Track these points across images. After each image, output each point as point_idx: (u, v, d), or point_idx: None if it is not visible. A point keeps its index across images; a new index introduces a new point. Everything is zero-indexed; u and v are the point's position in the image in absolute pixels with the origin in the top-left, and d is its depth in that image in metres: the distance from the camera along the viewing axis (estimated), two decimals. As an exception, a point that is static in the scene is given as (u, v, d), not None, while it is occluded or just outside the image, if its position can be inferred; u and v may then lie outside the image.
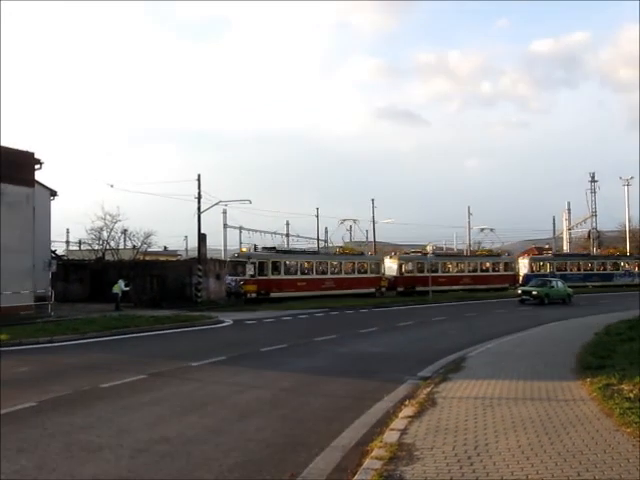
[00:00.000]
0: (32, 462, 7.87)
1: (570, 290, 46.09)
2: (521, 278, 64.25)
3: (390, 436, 8.67)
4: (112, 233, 52.46)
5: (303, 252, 52.66)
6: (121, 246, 53.67)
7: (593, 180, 77.81)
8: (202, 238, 47.36)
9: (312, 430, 9.73)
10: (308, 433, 9.54)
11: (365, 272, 53.90)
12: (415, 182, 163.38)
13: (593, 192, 78.23)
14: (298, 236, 76.64)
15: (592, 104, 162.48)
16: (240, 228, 68.07)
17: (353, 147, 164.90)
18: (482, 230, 72.36)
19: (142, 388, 13.19)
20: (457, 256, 65.92)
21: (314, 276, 49.43)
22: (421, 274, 55.92)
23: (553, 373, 13.73)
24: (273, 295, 44.85)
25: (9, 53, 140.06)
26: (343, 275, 51.98)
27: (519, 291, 45.83)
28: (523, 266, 67.29)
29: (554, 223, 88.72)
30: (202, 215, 47.89)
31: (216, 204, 50.51)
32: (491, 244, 71.39)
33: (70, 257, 56.22)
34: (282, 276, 46.55)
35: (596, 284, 65.61)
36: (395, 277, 56.45)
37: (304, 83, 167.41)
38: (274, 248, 49.94)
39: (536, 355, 16.98)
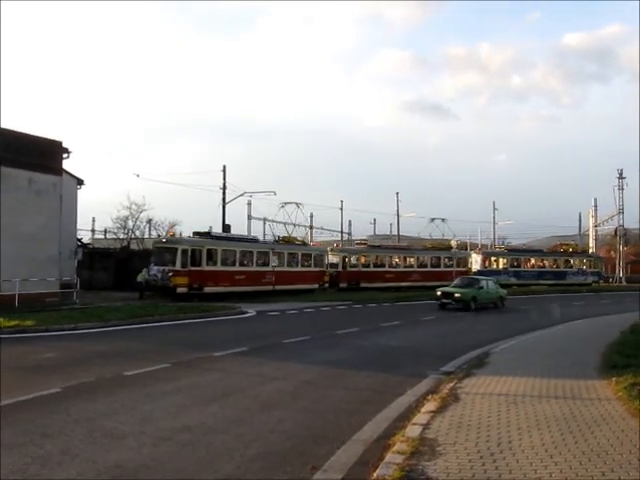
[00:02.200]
0: (57, 447, 7.94)
1: (503, 292, 38.46)
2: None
3: (412, 430, 8.64)
4: (137, 222, 53.00)
5: (242, 239, 43.89)
6: (146, 235, 54.12)
7: (621, 177, 76.81)
8: (226, 229, 47.54)
9: (333, 423, 9.73)
10: (329, 426, 9.54)
11: (309, 265, 46.55)
12: (441, 176, 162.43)
13: (621, 189, 77.20)
14: (322, 228, 76.56)
15: (624, 99, 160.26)
16: (264, 220, 68.03)
17: (379, 140, 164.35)
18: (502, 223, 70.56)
19: (165, 377, 13.26)
20: (407, 249, 58.97)
21: (254, 268, 41.49)
22: (367, 269, 51.74)
23: (578, 371, 13.59)
24: (208, 290, 37.24)
25: (38, 43, 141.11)
26: (285, 268, 43.97)
27: (438, 292, 35.58)
28: (475, 261, 61.49)
29: (580, 220, 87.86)
30: (227, 206, 48.17)
31: (241, 195, 50.78)
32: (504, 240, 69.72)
33: (96, 246, 56.67)
34: (218, 267, 38.64)
35: (549, 282, 62.11)
36: (338, 272, 49.94)
37: (332, 75, 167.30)
38: (208, 233, 41.41)
39: (561, 352, 16.84)
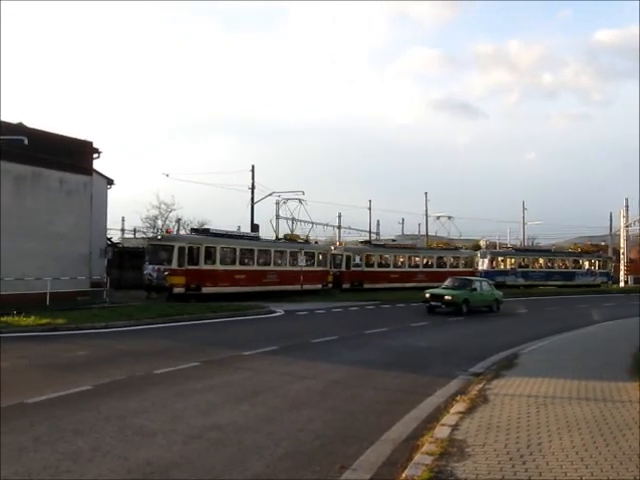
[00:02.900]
0: (88, 444, 8.04)
1: (499, 294, 35.18)
2: (479, 275, 56.33)
3: (441, 431, 8.63)
4: (166, 222, 53.40)
5: (242, 237, 41.04)
6: (175, 235, 54.46)
7: (653, 176, 75.55)
8: (255, 229, 47.71)
9: (362, 423, 9.74)
10: (358, 425, 9.56)
11: (312, 265, 43.89)
12: (470, 175, 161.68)
13: (652, 188, 75.93)
14: (350, 228, 76.48)
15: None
16: (292, 219, 68.19)
17: (408, 139, 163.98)
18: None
19: (195, 375, 13.36)
20: (412, 248, 57.02)
21: (255, 267, 39.24)
22: (371, 269, 49.23)
23: (608, 373, 13.46)
24: (206, 290, 35.14)
25: (68, 44, 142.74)
26: (288, 267, 41.68)
27: (427, 294, 32.29)
28: (482, 262, 59.69)
29: (611, 219, 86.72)
30: (255, 206, 48.30)
31: (269, 195, 50.88)
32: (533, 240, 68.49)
33: (125, 245, 57.22)
34: (217, 266, 36.38)
35: (558, 283, 60.80)
36: (341, 272, 47.30)
37: (360, 73, 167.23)
38: (207, 230, 39.27)
39: (591, 354, 16.69)
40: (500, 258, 60.73)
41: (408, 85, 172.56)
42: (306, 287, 42.11)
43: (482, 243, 61.54)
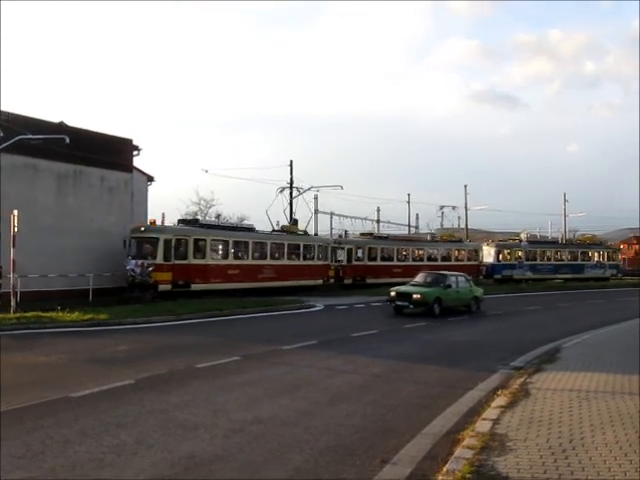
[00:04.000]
0: (131, 437, 8.15)
1: (479, 291, 30.08)
2: (485, 269, 55.70)
3: (482, 426, 8.57)
4: (206, 218, 53.83)
5: (235, 228, 38.06)
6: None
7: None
8: (294, 223, 47.81)
9: (402, 417, 9.73)
10: (398, 419, 9.54)
11: (312, 259, 40.80)
12: (510, 167, 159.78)
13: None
14: (389, 222, 76.19)
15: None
16: (331, 214, 68.19)
17: (447, 131, 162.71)
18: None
19: (235, 369, 13.47)
20: (416, 241, 54.31)
21: (249, 261, 36.10)
22: (373, 263, 46.25)
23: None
24: (195, 287, 31.94)
25: (107, 43, 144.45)
26: (285, 261, 38.71)
27: (392, 292, 27.47)
28: (488, 254, 57.06)
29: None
30: (294, 200, 48.40)
31: (308, 189, 50.93)
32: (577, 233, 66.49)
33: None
34: (207, 260, 33.33)
35: (567, 276, 58.78)
36: (343, 266, 44.38)
37: (398, 66, 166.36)
38: (196, 220, 36.14)
39: (634, 348, 16.42)
40: (507, 251, 58.33)
41: (447, 77, 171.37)
42: (306, 283, 39.17)
43: (522, 236, 60.51)
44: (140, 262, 30.65)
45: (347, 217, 66.38)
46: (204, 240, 33.10)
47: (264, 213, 39.35)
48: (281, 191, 43.33)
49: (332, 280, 42.08)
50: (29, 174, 29.68)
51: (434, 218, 76.18)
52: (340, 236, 50.22)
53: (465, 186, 74.05)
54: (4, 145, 26.16)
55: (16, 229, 22.84)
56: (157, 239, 31.20)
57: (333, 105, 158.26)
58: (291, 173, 48.70)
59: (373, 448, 7.95)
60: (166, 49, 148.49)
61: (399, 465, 7.31)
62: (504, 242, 61.42)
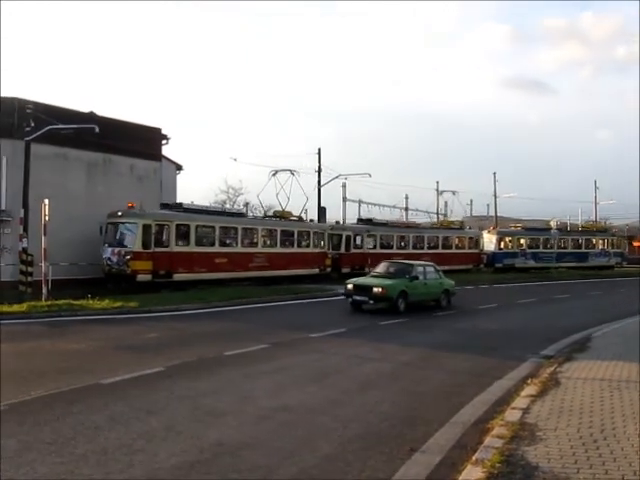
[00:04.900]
0: (161, 424, 8.21)
1: (449, 283, 25.93)
2: (486, 257, 53.35)
3: (512, 415, 8.51)
4: (235, 206, 54.03)
5: (222, 213, 35.24)
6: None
7: None
8: (322, 211, 47.79)
9: (431, 405, 9.70)
10: (427, 408, 9.51)
11: (308, 246, 37.77)
12: (540, 154, 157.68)
13: None
14: (417, 210, 75.91)
15: None
16: (359, 202, 68.07)
17: (476, 118, 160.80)
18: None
19: (264, 357, 13.52)
20: (416, 227, 51.43)
21: (239, 249, 33.00)
22: (372, 251, 42.67)
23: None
24: (178, 277, 29.12)
25: (137, 34, 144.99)
26: (278, 249, 35.64)
27: (349, 285, 23.81)
28: (489, 241, 54.19)
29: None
30: (322, 188, 48.35)
31: (336, 177, 50.88)
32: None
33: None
34: (191, 248, 30.16)
35: (570, 265, 56.09)
36: (340, 254, 40.99)
37: (426, 53, 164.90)
38: (180, 204, 32.39)
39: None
40: (508, 238, 55.60)
41: (476, 64, 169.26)
42: (301, 272, 36.04)
43: (552, 223, 59.75)
44: (117, 250, 28.09)
45: (375, 205, 66.12)
46: (187, 226, 30.17)
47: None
48: (274, 174, 39.61)
49: (329, 269, 39.24)
50: (59, 163, 29.97)
51: (463, 206, 75.53)
52: (337, 222, 47.49)
53: (494, 173, 73.24)
54: (35, 135, 26.41)
55: (47, 218, 23.10)
56: (135, 224, 28.49)
57: (363, 94, 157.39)
58: (319, 161, 48.62)
59: (402, 436, 7.93)
60: (194, 38, 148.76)
61: (428, 453, 7.28)
62: (505, 230, 59.06)
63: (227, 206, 55.46)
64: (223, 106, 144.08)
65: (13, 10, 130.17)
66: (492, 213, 75.29)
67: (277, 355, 13.87)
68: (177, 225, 29.53)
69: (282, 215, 38.29)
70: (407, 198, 73.88)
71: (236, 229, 33.18)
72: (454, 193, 61.62)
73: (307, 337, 16.36)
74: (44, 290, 22.93)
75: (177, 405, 9.27)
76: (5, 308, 20.27)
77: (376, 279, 23.92)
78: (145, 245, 28.14)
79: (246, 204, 57.66)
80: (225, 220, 33.09)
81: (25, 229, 26.00)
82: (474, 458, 6.77)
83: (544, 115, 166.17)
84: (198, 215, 31.48)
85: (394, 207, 69.47)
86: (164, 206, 31.17)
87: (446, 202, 74.72)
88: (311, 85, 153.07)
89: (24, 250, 25.91)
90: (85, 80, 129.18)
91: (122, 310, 21.13)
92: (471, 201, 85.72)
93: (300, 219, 39.56)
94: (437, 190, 73.08)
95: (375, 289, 22.61)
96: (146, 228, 28.28)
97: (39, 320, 19.05)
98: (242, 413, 8.87)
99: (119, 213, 28.53)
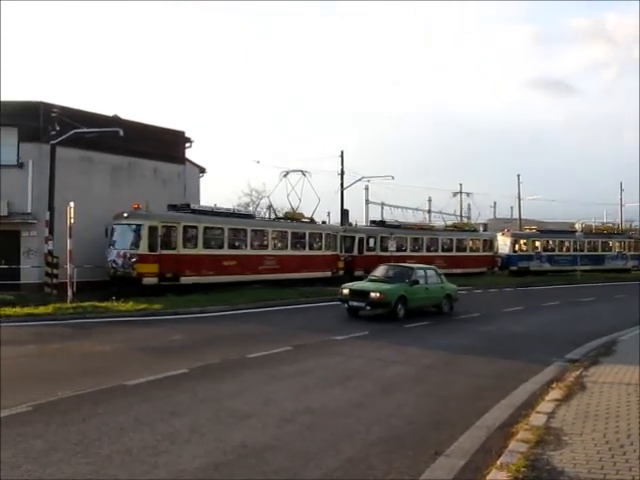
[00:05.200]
0: (185, 425, 8.24)
1: (451, 287, 24.76)
2: (501, 260, 52.11)
3: (536, 419, 8.44)
4: (258, 209, 54.18)
5: (231, 214, 33.62)
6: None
7: None
8: (345, 214, 47.78)
9: (455, 408, 9.65)
10: (451, 411, 9.47)
11: (320, 248, 36.94)
12: (564, 156, 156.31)
13: None
14: (441, 212, 75.73)
15: None
16: (382, 204, 68.15)
17: (499, 120, 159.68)
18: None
19: (287, 359, 13.54)
20: (430, 229, 50.29)
21: (248, 251, 32.15)
22: (386, 253, 40.92)
23: None
24: (185, 281, 28.25)
25: (157, 38, 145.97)
26: (289, 251, 34.78)
27: (345, 290, 22.48)
28: (503, 244, 53.12)
29: None
30: (345, 191, 48.36)
31: (358, 180, 50.99)
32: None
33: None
34: (199, 250, 29.47)
35: (586, 268, 53.00)
36: (353, 257, 40.25)
37: (448, 55, 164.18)
38: (187, 205, 31.09)
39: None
40: (523, 241, 54.23)
41: (500, 65, 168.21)
42: (312, 275, 35.03)
43: (577, 226, 59.05)
44: (122, 252, 27.16)
45: (398, 207, 66.09)
46: (195, 227, 29.39)
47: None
48: (285, 175, 38.81)
49: (342, 272, 37.64)
50: (84, 167, 30.24)
51: (486, 208, 75.30)
52: (350, 224, 46.16)
53: (518, 175, 72.89)
54: (60, 139, 26.70)
55: (72, 220, 23.31)
56: (140, 226, 27.51)
57: (385, 97, 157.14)
58: (342, 164, 48.65)
59: (426, 440, 7.90)
60: (220, 42, 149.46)
61: (452, 457, 7.24)
62: (520, 232, 57.99)
63: (250, 209, 55.50)
64: (246, 109, 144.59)
65: (36, 15, 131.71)
66: (516, 215, 74.95)
67: (300, 357, 13.88)
68: (184, 227, 28.86)
69: (293, 217, 37.60)
70: (430, 200, 73.77)
71: (245, 231, 32.34)
72: (468, 195, 61.03)
73: (331, 339, 16.37)
74: (69, 292, 23.13)
75: (201, 407, 9.30)
76: (31, 310, 20.51)
77: (374, 283, 22.66)
78: (151, 247, 27.39)
79: (269, 207, 57.79)
80: (234, 222, 32.22)
81: (51, 232, 26.32)
82: (499, 462, 6.72)
83: (569, 116, 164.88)
84: (206, 216, 30.71)
85: (417, 209, 69.40)
86: (171, 207, 30.38)
87: (469, 204, 74.45)
88: (335, 90, 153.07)
89: (50, 252, 26.21)
90: (109, 84, 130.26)
91: (146, 312, 21.30)
92: (495, 203, 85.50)
93: (312, 221, 38.58)
94: (460, 192, 72.85)
95: (372, 294, 21.40)
96: (152, 230, 27.54)
97: (64, 322, 19.25)
98: (266, 415, 8.88)
99: (125, 214, 27.72)
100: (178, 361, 12.83)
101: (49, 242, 26.40)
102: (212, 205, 34.73)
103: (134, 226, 27.56)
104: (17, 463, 6.66)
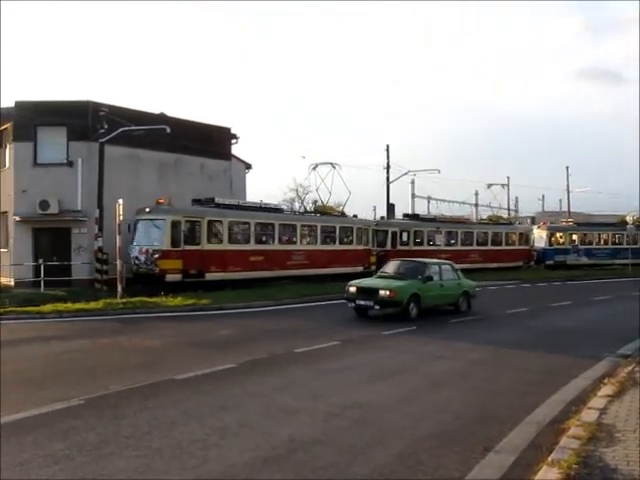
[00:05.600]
0: (234, 419, 8.30)
1: (470, 284, 22.92)
2: (536, 254, 50.54)
3: (588, 415, 8.30)
4: (304, 204, 54.30)
5: (258, 208, 32.11)
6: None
7: None
8: (391, 208, 47.60)
9: (504, 404, 9.53)
10: (500, 407, 9.36)
11: (351, 243, 36.01)
12: (613, 147, 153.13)
13: None
14: (488, 206, 74.91)
15: None
16: (428, 198, 67.52)
17: (547, 112, 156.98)
18: None
19: (334, 354, 13.56)
20: (464, 223, 48.14)
21: (276, 246, 31.44)
22: (419, 248, 39.94)
23: None
24: (211, 277, 27.63)
25: (208, 36, 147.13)
26: (319, 246, 33.88)
27: (352, 288, 20.47)
28: (539, 238, 51.75)
29: None
30: (390, 185, 48.19)
31: (404, 174, 50.74)
32: None
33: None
34: (225, 245, 28.84)
35: (626, 261, 49.94)
36: (386, 251, 38.39)
37: (494, 48, 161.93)
38: (212, 199, 29.71)
39: None
40: (559, 234, 52.68)
41: (547, 57, 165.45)
42: (343, 270, 33.33)
43: (629, 218, 57.37)
44: (145, 248, 26.41)
45: (444, 201, 65.47)
46: (220, 222, 28.77)
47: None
48: (314, 168, 37.99)
49: (374, 267, 35.30)
50: (132, 164, 30.70)
51: (535, 202, 74.16)
52: (382, 218, 45.44)
53: (567, 167, 71.76)
54: (108, 137, 27.12)
55: (121, 217, 23.67)
56: (163, 221, 26.72)
57: (430, 90, 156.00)
58: (387, 158, 48.49)
59: (475, 435, 7.83)
60: (267, 39, 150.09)
61: (502, 453, 7.17)
62: (556, 225, 56.08)
63: (296, 204, 55.71)
64: (291, 104, 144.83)
65: (85, 16, 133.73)
66: (565, 208, 73.77)
67: (347, 352, 13.90)
68: (209, 221, 28.17)
69: (323, 210, 37.09)
70: (477, 194, 72.91)
71: (273, 225, 31.57)
72: (503, 186, 59.61)
73: (377, 334, 16.33)
74: (119, 288, 23.50)
75: (249, 401, 9.36)
76: (82, 305, 20.92)
77: (384, 280, 20.74)
78: (174, 243, 26.64)
79: (314, 202, 57.91)
80: (261, 216, 31.25)
81: (100, 229, 26.76)
82: (550, 459, 6.63)
83: (619, 106, 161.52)
84: (232, 211, 29.83)
85: (463, 203, 68.69)
86: (195, 202, 29.76)
87: (516, 197, 73.40)
88: (379, 85, 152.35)
89: (99, 249, 26.68)
90: (154, 83, 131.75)
91: (194, 307, 21.53)
92: (543, 196, 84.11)
93: (342, 214, 37.72)
94: (507, 185, 71.82)
95: (382, 292, 19.46)
96: (175, 225, 26.76)
97: (115, 317, 19.59)
98: (313, 410, 8.90)
99: (147, 209, 26.98)
100: (226, 356, 12.93)
101: (99, 239, 26.87)
102: (259, 200, 34.55)
103: (156, 221, 26.90)
104: (70, 455, 6.79)
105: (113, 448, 7.08)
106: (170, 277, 26.25)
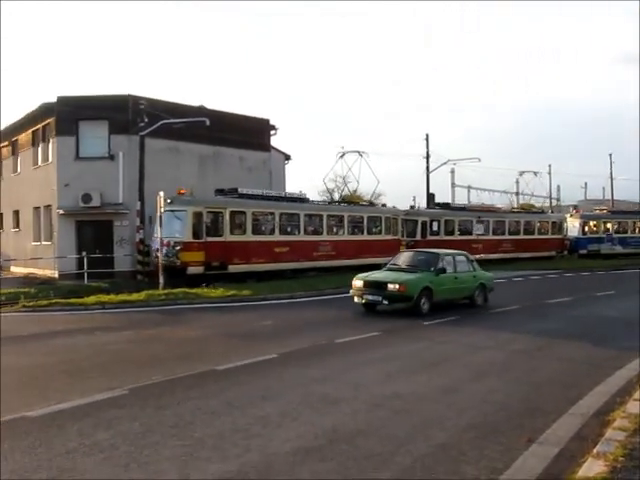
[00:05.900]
0: (276, 409, 8.34)
1: (487, 276, 21.28)
2: (569, 243, 49.30)
3: (634, 407, 8.15)
4: (343, 194, 54.22)
5: (282, 198, 31.33)
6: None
7: None
8: (430, 198, 47.32)
9: (548, 395, 9.43)
10: (544, 398, 9.25)
11: (379, 233, 34.99)
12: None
13: None
14: (530, 194, 74.07)
15: None
16: (468, 187, 67.02)
17: (590, 98, 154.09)
18: None
19: (374, 344, 13.54)
20: (495, 212, 46.53)
21: (301, 237, 30.66)
22: (451, 237, 39.19)
23: None
24: (234, 269, 27.03)
25: (248, 29, 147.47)
26: (346, 236, 32.94)
27: (358, 282, 19.07)
28: (572, 226, 50.19)
29: None
30: (430, 174, 47.90)
31: (444, 163, 50.33)
32: None
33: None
34: (248, 237, 28.07)
35: None
36: (415, 241, 37.45)
37: (538, 34, 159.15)
38: (235, 190, 29.03)
39: None
40: (593, 222, 51.39)
41: (593, 42, 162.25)
42: (372, 260, 30.88)
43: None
44: (166, 240, 25.21)
45: (485, 190, 64.88)
46: (243, 213, 27.97)
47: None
48: (341, 156, 37.26)
49: None
50: (172, 157, 31.02)
51: (577, 190, 73.10)
52: (412, 207, 43.52)
53: (610, 155, 70.62)
54: (149, 130, 27.40)
55: (162, 210, 23.88)
56: (184, 212, 26.02)
57: (470, 75, 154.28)
58: (427, 146, 48.18)
59: (518, 426, 7.75)
60: (309, 30, 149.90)
61: (546, 445, 7.08)
62: (590, 213, 54.67)
63: (335, 195, 55.60)
64: (329, 97, 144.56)
65: (125, 13, 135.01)
66: (608, 196, 72.64)
67: (387, 342, 13.87)
68: (231, 212, 27.45)
69: (351, 200, 36.31)
70: (518, 182, 72.05)
71: (298, 215, 30.71)
72: (536, 174, 58.42)
73: (419, 324, 16.30)
74: (161, 279, 23.71)
75: (290, 391, 9.39)
76: (125, 297, 21.19)
77: (393, 273, 19.31)
78: (196, 234, 26.09)
79: (354, 191, 57.90)
80: (286, 206, 30.51)
81: (142, 221, 27.10)
82: (595, 451, 6.53)
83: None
84: (255, 201, 29.09)
85: (504, 192, 67.91)
86: (218, 192, 29.13)
87: (558, 186, 72.38)
88: (417, 73, 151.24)
89: (141, 241, 27.02)
90: (194, 76, 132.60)
91: (235, 298, 21.66)
92: (585, 184, 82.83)
93: (371, 204, 37.11)
94: (549, 173, 70.92)
95: (391, 285, 18.12)
96: (197, 216, 26.18)
97: (157, 308, 19.81)
98: (355, 400, 8.90)
99: (168, 200, 25.43)
100: (267, 346, 12.99)
101: (140, 231, 27.21)
102: (298, 191, 34.16)
103: (177, 212, 26.00)
104: (115, 444, 6.89)
105: (157, 437, 7.16)
106: (192, 269, 25.87)
